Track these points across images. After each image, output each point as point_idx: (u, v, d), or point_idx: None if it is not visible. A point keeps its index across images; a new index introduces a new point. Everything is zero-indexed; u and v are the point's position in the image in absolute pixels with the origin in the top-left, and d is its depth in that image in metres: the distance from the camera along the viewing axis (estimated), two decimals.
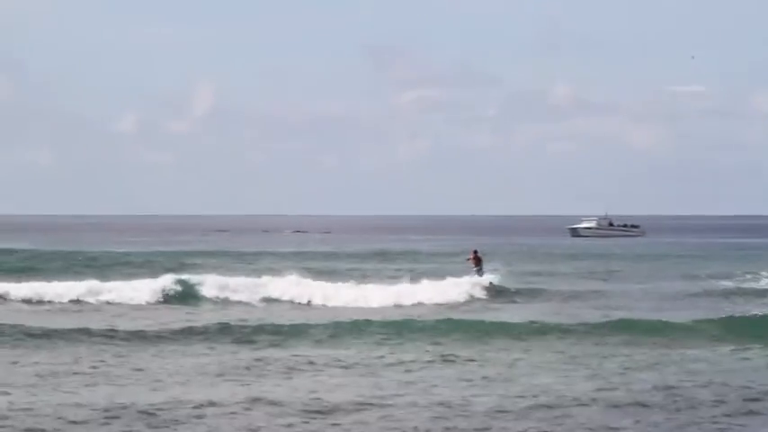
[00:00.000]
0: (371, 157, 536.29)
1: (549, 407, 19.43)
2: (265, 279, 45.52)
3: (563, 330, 31.62)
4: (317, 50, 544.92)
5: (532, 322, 33.11)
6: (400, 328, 31.80)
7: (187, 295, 42.96)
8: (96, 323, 32.46)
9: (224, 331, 30.54)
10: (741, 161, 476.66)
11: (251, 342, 28.88)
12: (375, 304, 41.76)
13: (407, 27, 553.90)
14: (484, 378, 22.97)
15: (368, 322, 32.66)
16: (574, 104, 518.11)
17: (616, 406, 19.55)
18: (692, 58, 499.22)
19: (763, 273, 57.89)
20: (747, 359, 26.33)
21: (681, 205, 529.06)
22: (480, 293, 45.12)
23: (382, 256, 79.30)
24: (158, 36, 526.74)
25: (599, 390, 21.22)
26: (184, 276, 45.12)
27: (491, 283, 46.69)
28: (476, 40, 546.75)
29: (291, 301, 42.89)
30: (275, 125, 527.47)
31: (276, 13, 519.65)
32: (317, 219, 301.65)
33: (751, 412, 19.18)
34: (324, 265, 62.53)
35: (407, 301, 42.64)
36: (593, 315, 36.57)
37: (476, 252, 50.36)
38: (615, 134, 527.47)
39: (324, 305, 42.18)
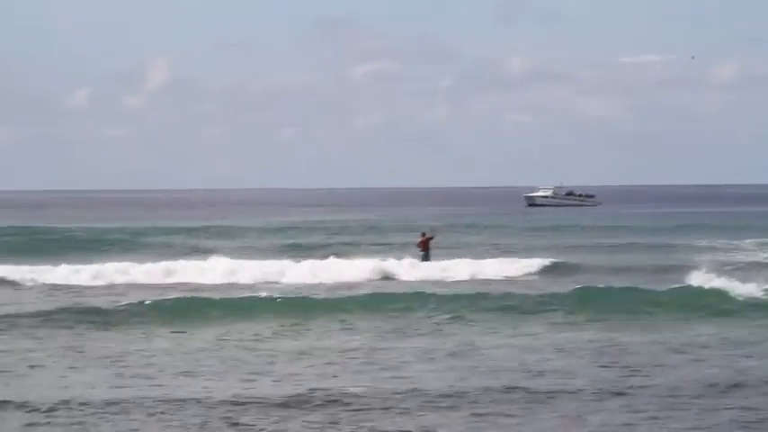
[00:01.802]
0: (329, 130, 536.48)
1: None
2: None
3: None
4: (273, 23, 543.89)
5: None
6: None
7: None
8: None
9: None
10: (695, 132, 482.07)
11: None
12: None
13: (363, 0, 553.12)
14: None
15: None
16: (530, 76, 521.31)
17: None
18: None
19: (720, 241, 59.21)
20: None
21: (635, 175, 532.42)
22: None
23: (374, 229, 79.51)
24: (113, 10, 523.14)
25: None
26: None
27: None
28: (432, 12, 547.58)
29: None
30: (231, 99, 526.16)
31: None
32: (281, 192, 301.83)
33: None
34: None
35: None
36: None
37: (424, 234, 46.45)
38: (571, 105, 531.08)
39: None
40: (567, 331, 26.95)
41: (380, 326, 27.81)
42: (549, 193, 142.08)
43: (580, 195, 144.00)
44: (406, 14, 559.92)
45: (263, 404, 18.16)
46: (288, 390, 19.26)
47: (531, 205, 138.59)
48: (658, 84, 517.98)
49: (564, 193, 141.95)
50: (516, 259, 47.22)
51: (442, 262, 44.82)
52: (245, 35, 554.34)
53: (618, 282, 36.90)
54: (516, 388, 19.32)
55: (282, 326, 28.02)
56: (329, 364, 22.13)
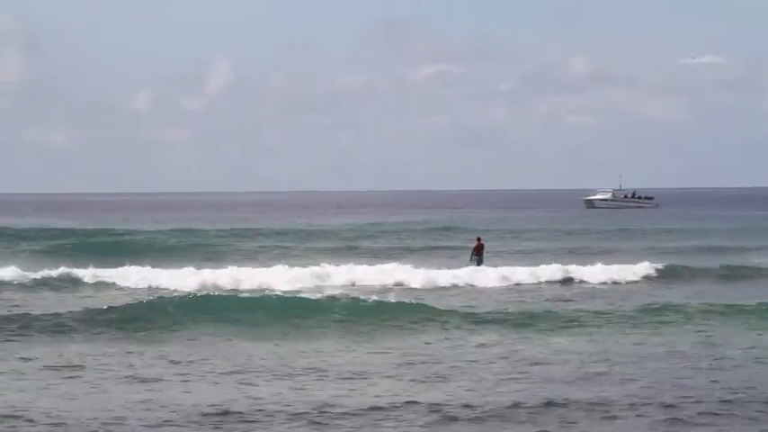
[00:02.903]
0: (388, 132, 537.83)
1: None
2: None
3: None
4: (334, 25, 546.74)
5: None
6: None
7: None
8: None
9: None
10: (758, 133, 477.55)
11: None
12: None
13: (424, 1, 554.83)
14: None
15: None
16: (590, 77, 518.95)
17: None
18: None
19: None
20: None
21: (694, 177, 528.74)
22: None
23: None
24: (173, 13, 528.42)
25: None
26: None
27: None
28: (492, 13, 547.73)
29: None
30: (291, 101, 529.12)
31: None
32: (338, 195, 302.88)
33: None
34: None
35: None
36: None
37: (479, 239, 47.69)
38: (632, 106, 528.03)
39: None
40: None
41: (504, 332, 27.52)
42: (607, 195, 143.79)
43: (639, 198, 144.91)
44: (466, 16, 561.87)
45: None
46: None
47: (589, 207, 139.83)
48: (718, 85, 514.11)
49: (623, 196, 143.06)
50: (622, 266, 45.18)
51: (532, 268, 44.35)
52: (306, 37, 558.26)
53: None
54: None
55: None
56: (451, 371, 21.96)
